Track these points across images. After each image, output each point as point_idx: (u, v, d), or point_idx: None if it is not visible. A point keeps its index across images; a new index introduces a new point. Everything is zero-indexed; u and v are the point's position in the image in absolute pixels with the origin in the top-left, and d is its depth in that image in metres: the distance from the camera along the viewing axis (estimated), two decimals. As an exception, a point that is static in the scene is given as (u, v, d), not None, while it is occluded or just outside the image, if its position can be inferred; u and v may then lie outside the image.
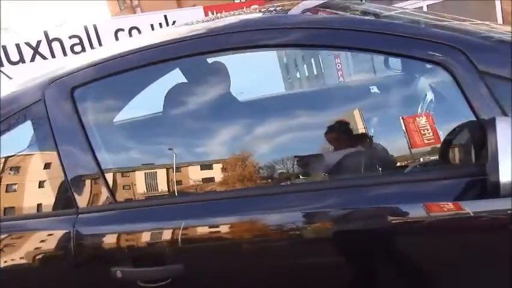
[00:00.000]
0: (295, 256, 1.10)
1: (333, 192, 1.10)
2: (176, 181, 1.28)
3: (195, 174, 1.29)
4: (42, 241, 1.23)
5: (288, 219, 1.08)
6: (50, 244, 1.22)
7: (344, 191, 1.09)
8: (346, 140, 1.26)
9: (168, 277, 1.10)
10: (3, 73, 2.02)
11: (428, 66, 1.16)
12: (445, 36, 1.08)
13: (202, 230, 1.14)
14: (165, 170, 1.29)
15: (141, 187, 1.27)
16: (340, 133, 1.26)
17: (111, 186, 1.20)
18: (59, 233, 1.20)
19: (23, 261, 1.23)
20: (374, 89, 1.52)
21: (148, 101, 1.58)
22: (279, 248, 1.11)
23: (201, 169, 1.30)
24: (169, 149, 1.31)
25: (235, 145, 1.34)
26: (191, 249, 1.14)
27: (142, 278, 1.12)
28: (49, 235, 1.22)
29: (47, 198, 1.28)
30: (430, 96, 1.34)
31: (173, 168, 1.27)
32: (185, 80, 1.57)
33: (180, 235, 1.13)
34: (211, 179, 1.29)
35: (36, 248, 1.23)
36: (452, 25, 1.24)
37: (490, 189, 0.89)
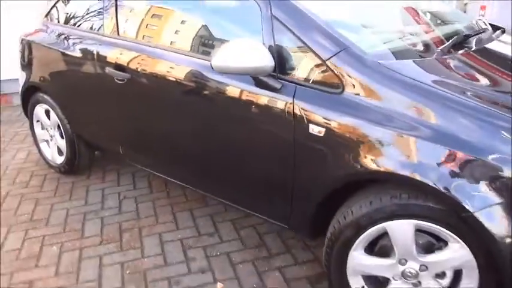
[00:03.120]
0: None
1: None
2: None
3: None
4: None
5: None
6: None
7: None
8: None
9: (126, 79, 2.19)
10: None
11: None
12: None
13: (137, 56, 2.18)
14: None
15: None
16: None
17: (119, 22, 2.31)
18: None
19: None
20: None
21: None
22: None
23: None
24: None
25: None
26: (132, 68, 2.17)
27: (116, 76, 2.24)
28: None
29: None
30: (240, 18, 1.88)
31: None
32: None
33: (129, 57, 2.19)
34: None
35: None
36: None
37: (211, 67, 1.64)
